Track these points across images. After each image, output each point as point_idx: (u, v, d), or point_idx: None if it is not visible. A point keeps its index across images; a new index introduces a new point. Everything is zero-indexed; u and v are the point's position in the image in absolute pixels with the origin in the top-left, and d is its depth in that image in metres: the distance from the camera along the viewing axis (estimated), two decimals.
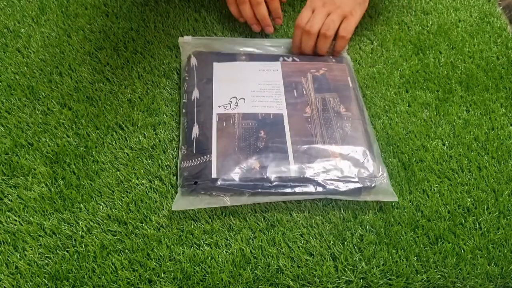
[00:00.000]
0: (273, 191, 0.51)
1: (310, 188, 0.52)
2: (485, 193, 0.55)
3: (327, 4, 0.63)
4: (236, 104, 0.58)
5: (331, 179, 0.52)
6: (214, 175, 0.51)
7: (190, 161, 0.53)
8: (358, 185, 0.52)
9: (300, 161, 0.53)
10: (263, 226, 0.51)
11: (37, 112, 0.60)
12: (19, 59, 0.65)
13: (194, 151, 0.54)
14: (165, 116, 0.60)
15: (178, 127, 0.59)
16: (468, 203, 0.54)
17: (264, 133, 0.55)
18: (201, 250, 0.49)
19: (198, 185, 0.51)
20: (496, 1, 0.79)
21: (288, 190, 0.52)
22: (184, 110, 0.59)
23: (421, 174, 0.56)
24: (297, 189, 0.52)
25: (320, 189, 0.52)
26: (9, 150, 0.56)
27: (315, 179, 0.52)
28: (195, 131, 0.55)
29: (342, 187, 0.52)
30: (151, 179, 0.54)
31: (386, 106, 0.63)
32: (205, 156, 0.53)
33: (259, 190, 0.51)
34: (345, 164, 0.54)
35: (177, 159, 0.56)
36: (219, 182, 0.51)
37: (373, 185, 0.53)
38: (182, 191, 0.52)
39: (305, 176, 0.52)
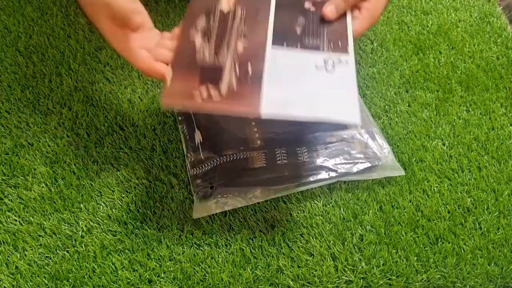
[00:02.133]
0: (287, 185, 0.52)
1: (324, 175, 0.53)
2: (485, 193, 0.55)
3: None
4: None
5: (341, 163, 0.54)
6: (226, 178, 0.51)
7: (200, 167, 0.53)
8: (368, 164, 0.54)
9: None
10: (263, 226, 0.51)
11: (37, 112, 0.60)
12: (19, 59, 0.65)
13: (202, 157, 0.54)
14: (165, 116, 0.60)
15: (178, 127, 0.59)
16: (468, 203, 0.54)
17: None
18: (201, 250, 0.49)
19: (215, 190, 0.51)
20: (496, 1, 0.79)
21: (303, 180, 0.52)
22: (180, 118, 0.59)
23: (421, 174, 0.56)
24: (311, 178, 0.52)
25: (333, 174, 0.53)
26: (9, 150, 0.56)
27: (326, 165, 0.53)
28: (198, 137, 0.55)
29: (353, 168, 0.53)
30: (151, 179, 0.54)
31: (386, 106, 0.63)
32: (214, 160, 0.53)
33: (275, 184, 0.52)
34: (350, 146, 0.55)
35: (177, 159, 0.56)
36: (235, 182, 0.51)
37: (380, 163, 0.54)
38: (199, 198, 0.52)
39: (316, 164, 0.53)
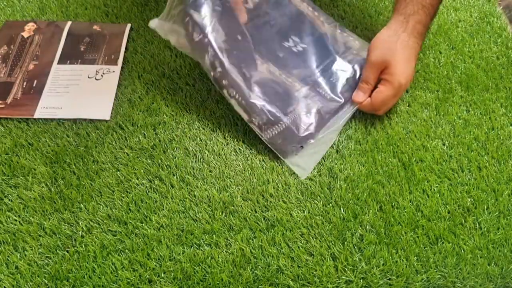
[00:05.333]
0: (344, 110, 0.61)
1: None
2: (485, 193, 0.55)
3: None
4: None
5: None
6: (302, 132, 0.57)
7: (273, 129, 0.56)
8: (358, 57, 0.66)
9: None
10: (263, 226, 0.51)
11: None
12: None
13: (272, 118, 0.56)
14: (165, 116, 0.60)
15: (178, 127, 0.59)
16: (468, 203, 0.54)
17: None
18: (201, 250, 0.49)
19: (304, 149, 0.57)
20: (496, 1, 0.79)
21: (346, 107, 0.61)
22: (224, 82, 0.55)
23: (421, 174, 0.56)
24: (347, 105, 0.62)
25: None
26: (9, 150, 0.56)
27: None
28: (258, 102, 0.56)
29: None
30: (151, 179, 0.54)
31: None
32: (282, 123, 0.56)
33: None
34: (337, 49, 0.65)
35: (177, 158, 0.56)
36: (316, 134, 0.58)
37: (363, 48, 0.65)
38: (296, 153, 0.57)
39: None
